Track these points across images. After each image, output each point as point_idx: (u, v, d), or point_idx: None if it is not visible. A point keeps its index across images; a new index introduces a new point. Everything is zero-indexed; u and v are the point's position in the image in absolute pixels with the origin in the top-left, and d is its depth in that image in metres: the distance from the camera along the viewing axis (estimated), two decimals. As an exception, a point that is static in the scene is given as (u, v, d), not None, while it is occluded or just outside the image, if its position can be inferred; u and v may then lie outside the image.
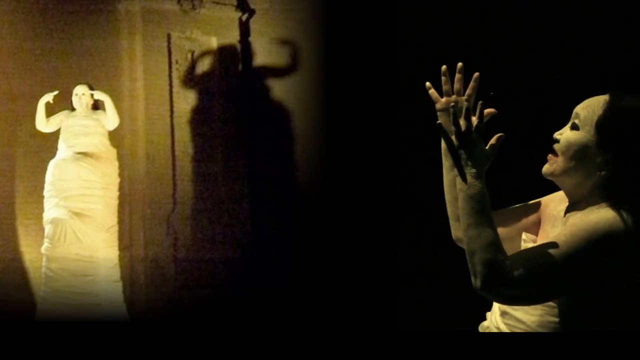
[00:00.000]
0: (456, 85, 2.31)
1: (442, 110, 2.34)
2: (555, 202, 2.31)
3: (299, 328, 5.18)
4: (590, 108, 2.15)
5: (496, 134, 2.14)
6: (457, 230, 2.39)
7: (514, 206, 2.39)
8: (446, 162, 2.38)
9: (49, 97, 6.13)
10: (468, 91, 2.27)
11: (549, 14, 3.88)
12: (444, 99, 2.34)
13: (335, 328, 5.14)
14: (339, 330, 4.94)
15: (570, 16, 3.79)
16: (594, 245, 2.03)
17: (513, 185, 2.86)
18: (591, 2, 3.79)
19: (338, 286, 5.73)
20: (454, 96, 2.31)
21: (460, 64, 2.31)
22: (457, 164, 2.12)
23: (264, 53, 6.90)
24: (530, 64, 3.91)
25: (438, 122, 2.23)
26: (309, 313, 5.71)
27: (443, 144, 2.37)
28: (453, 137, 2.13)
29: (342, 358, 3.01)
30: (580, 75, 3.66)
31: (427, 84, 2.35)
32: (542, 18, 3.87)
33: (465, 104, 2.13)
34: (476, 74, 2.25)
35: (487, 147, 2.12)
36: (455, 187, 2.30)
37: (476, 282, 2.06)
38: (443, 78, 2.33)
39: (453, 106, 2.16)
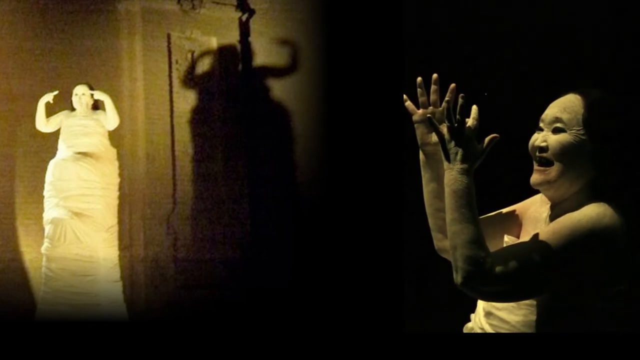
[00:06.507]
0: (432, 97, 2.32)
1: (418, 122, 2.34)
2: (536, 205, 2.30)
3: (299, 328, 5.18)
4: (569, 109, 2.14)
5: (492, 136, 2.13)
6: (440, 242, 2.39)
7: (495, 212, 2.38)
8: (425, 174, 2.38)
9: (49, 97, 6.11)
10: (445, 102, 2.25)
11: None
12: (420, 111, 2.34)
13: (334, 328, 5.14)
14: (337, 330, 4.94)
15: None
16: (576, 242, 2.03)
17: (493, 189, 2.85)
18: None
19: (337, 286, 5.74)
20: (430, 107, 2.31)
21: (435, 75, 2.31)
22: (447, 158, 2.12)
23: (264, 53, 6.90)
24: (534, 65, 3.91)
25: (428, 115, 2.22)
26: (309, 313, 5.71)
27: (421, 156, 2.38)
28: (445, 131, 2.13)
29: (339, 358, 3.01)
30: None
31: (404, 96, 2.35)
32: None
33: (460, 100, 2.12)
34: (452, 85, 2.24)
35: (479, 145, 2.12)
36: (436, 199, 2.34)
37: (457, 277, 2.06)
38: (419, 90, 2.33)
39: (447, 101, 2.16)
